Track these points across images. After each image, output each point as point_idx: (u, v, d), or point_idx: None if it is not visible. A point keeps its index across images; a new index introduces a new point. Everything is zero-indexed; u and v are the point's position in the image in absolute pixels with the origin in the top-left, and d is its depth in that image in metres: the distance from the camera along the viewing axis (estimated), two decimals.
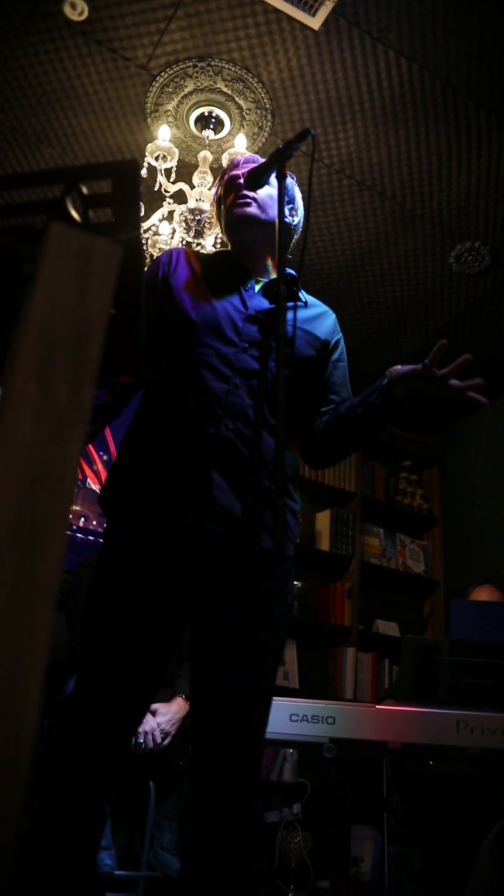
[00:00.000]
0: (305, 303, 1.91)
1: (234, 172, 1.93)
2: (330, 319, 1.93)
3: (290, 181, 1.93)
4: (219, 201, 1.95)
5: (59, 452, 0.86)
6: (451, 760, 2.43)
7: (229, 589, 1.58)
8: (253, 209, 1.84)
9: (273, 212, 1.85)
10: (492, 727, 2.21)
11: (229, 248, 1.98)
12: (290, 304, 1.85)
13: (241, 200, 1.85)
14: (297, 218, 1.95)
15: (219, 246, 2.93)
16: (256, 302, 1.80)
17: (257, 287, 1.83)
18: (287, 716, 2.24)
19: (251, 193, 1.83)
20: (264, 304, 1.81)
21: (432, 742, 2.23)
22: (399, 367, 1.74)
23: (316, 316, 1.89)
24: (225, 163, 2.87)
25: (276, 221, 1.63)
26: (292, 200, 1.95)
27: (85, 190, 1.19)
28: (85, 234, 0.98)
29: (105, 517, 1.72)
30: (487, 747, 2.19)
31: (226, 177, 1.95)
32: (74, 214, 1.16)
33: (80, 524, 4.05)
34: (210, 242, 2.95)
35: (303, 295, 1.91)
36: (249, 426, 1.65)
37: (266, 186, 1.83)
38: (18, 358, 0.89)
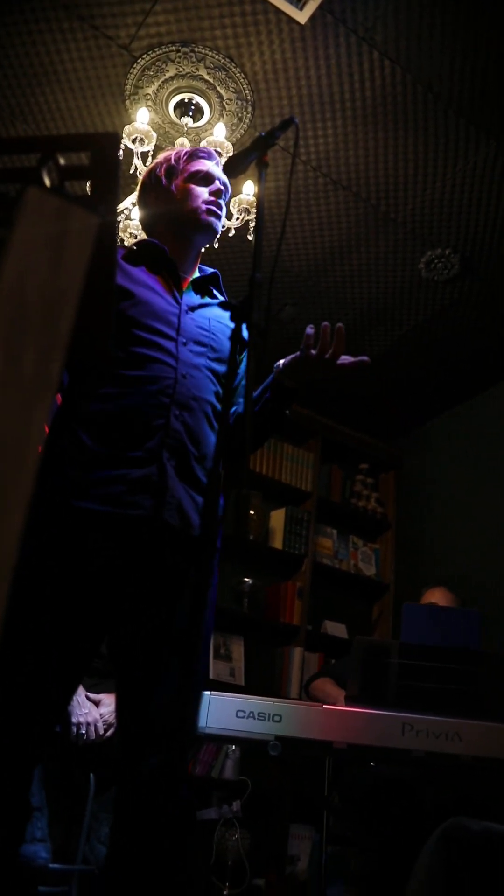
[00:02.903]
0: (225, 301, 1.94)
1: (206, 166, 1.92)
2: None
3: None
4: (169, 172, 1.91)
5: (21, 424, 0.83)
6: (395, 763, 2.44)
7: (170, 581, 1.58)
8: (219, 225, 1.89)
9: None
10: (437, 731, 2.22)
11: (152, 235, 1.94)
12: (211, 300, 1.90)
13: (218, 210, 1.88)
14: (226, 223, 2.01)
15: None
16: (187, 298, 1.83)
17: (185, 286, 1.85)
18: (234, 712, 2.23)
19: (221, 202, 1.88)
20: (195, 299, 1.84)
21: (377, 744, 2.23)
22: (283, 360, 1.78)
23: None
24: None
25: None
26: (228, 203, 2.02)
27: (62, 160, 1.15)
28: (62, 200, 0.95)
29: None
30: (432, 751, 2.21)
31: (192, 162, 1.92)
32: (49, 184, 1.12)
33: None
34: None
35: (219, 294, 1.95)
36: (194, 418, 1.67)
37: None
38: None
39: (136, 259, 1.83)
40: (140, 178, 2.87)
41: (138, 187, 2.00)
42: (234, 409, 1.86)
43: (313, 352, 1.70)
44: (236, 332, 1.71)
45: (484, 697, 2.38)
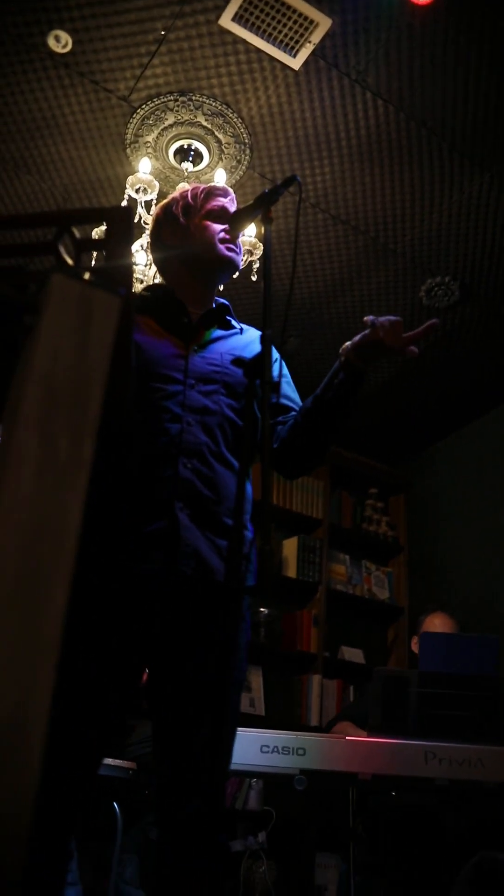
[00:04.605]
0: (241, 329, 1.91)
1: (222, 203, 1.90)
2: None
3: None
4: (187, 209, 1.88)
5: (60, 506, 0.87)
6: (419, 791, 2.46)
7: (196, 628, 1.60)
8: (240, 260, 1.87)
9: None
10: (459, 758, 2.25)
11: (167, 273, 1.93)
12: (225, 332, 1.87)
13: (236, 246, 1.86)
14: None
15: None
16: (198, 336, 1.81)
17: (194, 321, 1.83)
18: (258, 747, 2.26)
19: (238, 242, 1.86)
20: (206, 336, 1.82)
21: (401, 773, 2.26)
22: (348, 343, 1.75)
23: (250, 342, 1.88)
24: None
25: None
26: (241, 251, 1.97)
27: (77, 234, 1.21)
28: (85, 285, 1.00)
29: None
30: (455, 778, 2.23)
31: (210, 199, 1.90)
32: (67, 258, 1.18)
33: None
34: None
35: (236, 323, 1.91)
36: (206, 463, 1.66)
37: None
38: (20, 410, 0.90)
39: (145, 305, 1.84)
40: (144, 226, 2.95)
41: (152, 224, 1.97)
42: (283, 426, 1.81)
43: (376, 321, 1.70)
44: (255, 361, 1.68)
45: None
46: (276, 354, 1.85)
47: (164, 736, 1.60)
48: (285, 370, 1.93)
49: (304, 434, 1.79)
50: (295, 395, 1.92)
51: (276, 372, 1.86)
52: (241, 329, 1.91)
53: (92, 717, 1.52)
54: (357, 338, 1.72)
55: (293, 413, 1.85)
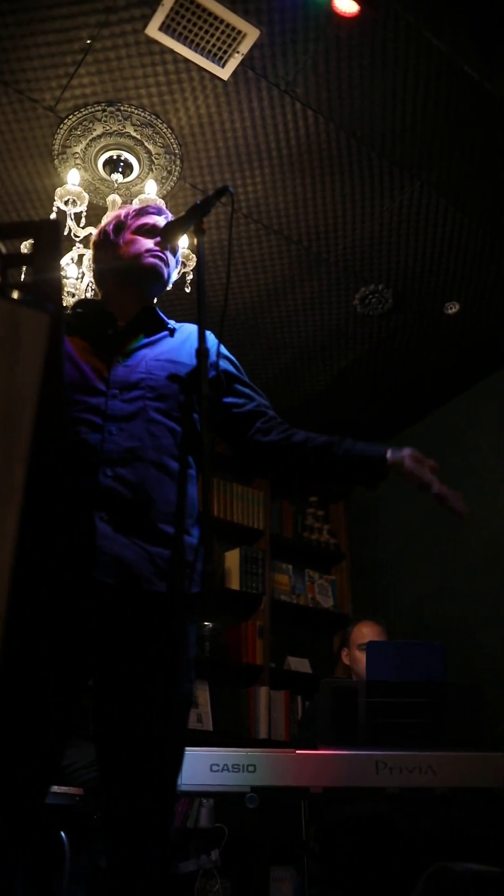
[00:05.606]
0: (172, 331, 1.89)
1: (153, 220, 1.91)
2: (195, 339, 1.79)
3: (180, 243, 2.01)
4: (117, 228, 1.91)
5: None
6: (371, 801, 2.45)
7: (134, 640, 1.56)
8: (164, 268, 1.87)
9: (171, 276, 1.93)
10: (410, 766, 2.24)
11: (101, 290, 1.97)
12: (153, 337, 1.85)
13: (159, 253, 1.86)
14: (175, 277, 2.00)
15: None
16: (121, 343, 1.80)
17: (121, 329, 1.83)
18: (207, 766, 2.21)
19: (167, 253, 1.87)
20: (131, 344, 1.81)
21: (352, 784, 2.24)
22: (408, 460, 1.83)
23: (183, 342, 1.86)
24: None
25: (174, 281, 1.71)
26: (178, 263, 2.02)
27: (3, 248, 1.16)
28: (12, 304, 0.95)
29: None
30: (406, 786, 2.22)
31: (140, 217, 1.92)
32: None
33: None
34: None
35: (173, 324, 1.90)
36: (132, 470, 1.64)
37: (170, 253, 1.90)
38: None
39: (78, 318, 1.84)
40: (74, 238, 2.90)
41: (91, 248, 2.01)
42: (274, 430, 1.85)
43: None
44: (191, 376, 1.66)
45: (453, 728, 2.42)
46: (213, 343, 1.82)
47: (107, 758, 1.55)
48: (224, 350, 1.88)
49: (305, 463, 1.87)
50: (248, 388, 1.91)
51: (219, 371, 1.85)
52: (174, 329, 1.89)
53: (32, 716, 1.46)
54: (416, 466, 1.83)
55: (259, 403, 1.87)
